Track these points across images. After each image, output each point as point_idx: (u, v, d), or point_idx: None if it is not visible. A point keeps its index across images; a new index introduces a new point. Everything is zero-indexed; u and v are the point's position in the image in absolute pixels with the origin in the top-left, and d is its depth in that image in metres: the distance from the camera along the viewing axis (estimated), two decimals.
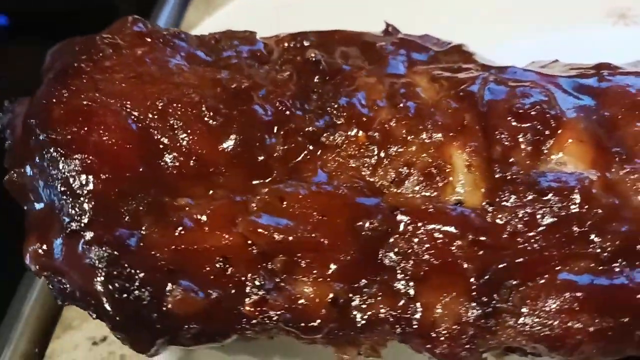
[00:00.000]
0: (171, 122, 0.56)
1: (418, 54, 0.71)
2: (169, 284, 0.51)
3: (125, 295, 0.50)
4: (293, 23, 0.76)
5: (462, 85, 0.63)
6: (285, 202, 0.55)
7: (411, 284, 0.54)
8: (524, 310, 0.53)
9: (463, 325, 0.53)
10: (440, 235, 0.55)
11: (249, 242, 0.53)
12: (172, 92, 0.58)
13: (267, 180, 0.57)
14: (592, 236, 0.55)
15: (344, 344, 0.56)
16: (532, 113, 0.60)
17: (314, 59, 0.65)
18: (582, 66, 0.70)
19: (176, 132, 0.56)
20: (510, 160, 0.59)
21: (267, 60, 0.68)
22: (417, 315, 0.53)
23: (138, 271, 0.50)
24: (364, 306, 0.54)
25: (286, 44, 0.71)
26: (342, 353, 0.55)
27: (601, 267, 0.54)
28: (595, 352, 0.52)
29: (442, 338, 0.53)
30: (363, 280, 0.54)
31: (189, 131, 0.56)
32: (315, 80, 0.66)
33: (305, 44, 0.70)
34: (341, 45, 0.72)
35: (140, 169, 0.53)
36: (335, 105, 0.62)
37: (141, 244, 0.51)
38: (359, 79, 0.65)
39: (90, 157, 0.52)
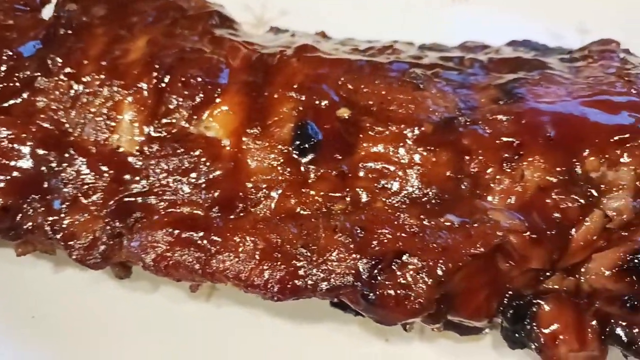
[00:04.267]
0: None
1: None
2: None
3: None
4: None
5: (161, 51, 0.76)
6: None
7: (64, 205, 0.71)
8: (136, 236, 0.69)
9: (94, 241, 0.70)
10: (90, 171, 0.71)
11: None
12: None
13: None
14: (203, 188, 0.70)
15: (23, 242, 0.75)
16: (195, 83, 0.73)
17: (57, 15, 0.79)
18: (281, 45, 0.80)
19: None
20: (169, 120, 0.73)
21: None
22: (63, 227, 0.71)
23: None
24: (28, 215, 0.72)
25: None
26: (18, 247, 0.74)
27: (201, 212, 0.69)
28: (179, 275, 0.68)
29: (78, 246, 0.70)
30: (31, 197, 0.72)
31: None
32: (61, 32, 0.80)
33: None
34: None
35: None
36: (55, 57, 0.77)
37: None
38: (90, 39, 0.79)
39: None
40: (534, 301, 0.66)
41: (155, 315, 0.81)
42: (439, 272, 0.62)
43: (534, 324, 0.66)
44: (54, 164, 0.72)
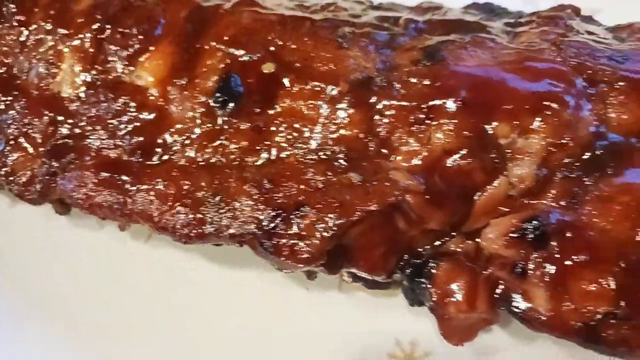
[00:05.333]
0: None
1: None
2: None
3: None
4: None
5: (106, 1, 0.79)
6: None
7: (8, 144, 0.77)
8: (68, 176, 0.74)
9: (32, 178, 0.76)
10: (31, 113, 0.77)
11: None
12: None
13: None
14: (128, 133, 0.74)
15: None
16: (131, 34, 0.76)
17: None
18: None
19: None
20: (106, 68, 0.77)
21: None
22: (6, 164, 0.77)
23: None
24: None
25: None
26: None
27: (125, 157, 0.73)
28: (102, 214, 0.73)
29: (17, 182, 0.76)
30: None
31: None
32: None
33: None
34: None
35: None
36: (9, 4, 0.81)
37: None
38: None
39: None
40: (432, 261, 0.69)
41: (96, 252, 0.87)
42: (332, 226, 0.65)
43: (429, 282, 0.68)
44: (1, 105, 0.79)
